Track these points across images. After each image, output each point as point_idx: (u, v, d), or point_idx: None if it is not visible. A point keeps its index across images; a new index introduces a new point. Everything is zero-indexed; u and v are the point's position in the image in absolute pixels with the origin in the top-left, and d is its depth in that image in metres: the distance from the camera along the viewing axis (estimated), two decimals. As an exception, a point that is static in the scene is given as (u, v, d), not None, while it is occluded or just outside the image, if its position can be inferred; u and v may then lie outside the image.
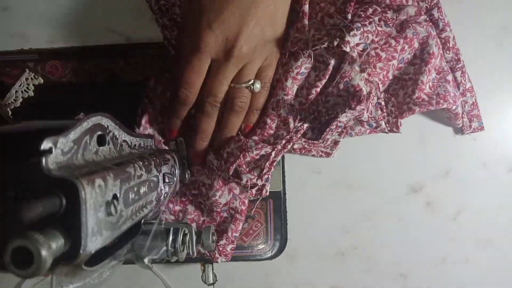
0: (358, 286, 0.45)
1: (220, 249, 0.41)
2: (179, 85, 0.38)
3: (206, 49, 0.35)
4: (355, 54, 0.37)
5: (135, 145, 0.31)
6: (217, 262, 0.41)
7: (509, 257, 0.45)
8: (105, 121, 0.26)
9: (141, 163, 0.27)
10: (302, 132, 0.41)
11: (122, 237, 0.26)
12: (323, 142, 0.43)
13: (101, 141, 0.25)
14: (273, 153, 0.40)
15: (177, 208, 0.42)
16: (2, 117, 0.44)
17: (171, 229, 0.30)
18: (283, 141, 0.41)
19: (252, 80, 0.39)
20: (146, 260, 0.27)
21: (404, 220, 0.45)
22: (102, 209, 0.21)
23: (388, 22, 0.39)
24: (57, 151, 0.20)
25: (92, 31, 0.44)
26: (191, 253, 0.31)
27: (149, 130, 0.41)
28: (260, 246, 0.45)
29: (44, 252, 0.18)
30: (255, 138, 0.41)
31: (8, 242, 0.18)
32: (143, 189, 0.27)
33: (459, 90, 0.42)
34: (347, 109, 0.38)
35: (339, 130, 0.41)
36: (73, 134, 0.22)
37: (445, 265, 0.45)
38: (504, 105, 0.44)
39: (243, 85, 0.38)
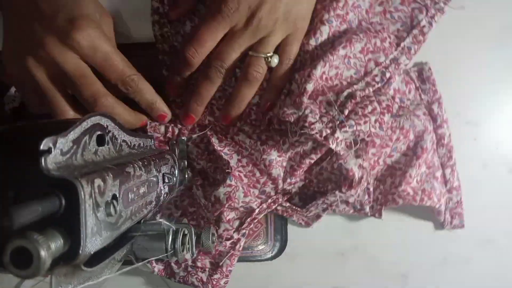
0: (358, 287, 0.45)
1: (214, 283, 0.41)
2: (188, 42, 0.37)
3: (228, 13, 0.35)
4: (339, 148, 0.37)
5: (134, 145, 0.31)
6: None
7: (510, 257, 0.45)
8: (105, 121, 0.26)
9: (140, 163, 0.27)
10: (289, 196, 0.41)
11: (122, 238, 0.26)
12: (306, 212, 0.43)
13: (100, 141, 0.25)
14: (256, 210, 0.40)
15: None
16: (2, 117, 0.44)
17: (171, 229, 0.30)
18: (269, 200, 0.41)
19: (271, 53, 0.38)
20: (146, 261, 0.26)
21: (404, 220, 0.45)
22: (101, 210, 0.21)
23: (383, 126, 0.38)
24: (56, 151, 0.20)
25: (92, 31, 0.44)
26: (191, 253, 0.31)
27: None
28: (260, 247, 0.45)
29: (43, 253, 0.18)
30: (239, 185, 0.40)
31: (7, 243, 0.18)
32: (142, 189, 0.27)
33: (446, 186, 0.43)
34: (336, 191, 0.38)
35: (324, 206, 0.42)
36: (73, 134, 0.22)
37: (446, 265, 0.45)
38: (505, 104, 0.44)
39: (261, 55, 0.38)
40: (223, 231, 0.40)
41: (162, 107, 0.39)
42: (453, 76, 0.43)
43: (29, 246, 0.18)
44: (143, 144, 0.33)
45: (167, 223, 0.30)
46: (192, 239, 0.31)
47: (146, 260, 0.27)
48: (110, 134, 0.27)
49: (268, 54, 0.38)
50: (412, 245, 0.45)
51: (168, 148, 0.41)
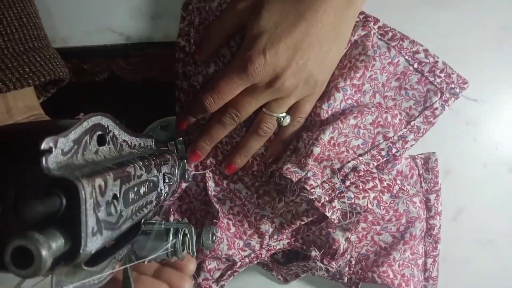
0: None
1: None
2: (208, 90, 0.37)
3: (252, 72, 0.35)
4: (334, 217, 0.37)
5: (135, 145, 0.31)
6: None
7: (510, 257, 0.45)
8: (105, 121, 0.26)
9: (141, 163, 0.27)
10: (273, 252, 0.42)
11: (122, 237, 0.26)
12: (286, 270, 0.43)
13: (101, 141, 0.25)
14: (238, 264, 0.41)
15: None
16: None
17: (171, 229, 0.30)
18: (252, 255, 0.41)
19: (284, 114, 0.39)
20: (146, 261, 0.26)
21: (404, 220, 0.45)
22: (102, 209, 0.21)
23: (381, 204, 0.39)
24: (57, 151, 0.20)
25: (92, 31, 0.44)
26: (191, 253, 0.31)
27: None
28: (260, 246, 0.44)
29: (44, 252, 0.18)
30: (224, 237, 0.41)
31: (8, 242, 0.18)
32: (143, 189, 0.27)
33: (424, 275, 0.43)
34: (318, 262, 0.39)
35: (305, 269, 0.42)
36: (73, 134, 0.22)
37: (445, 265, 0.45)
38: (504, 104, 0.44)
39: (274, 114, 0.39)
40: (203, 280, 0.41)
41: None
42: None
43: (30, 246, 0.18)
44: (144, 144, 0.33)
45: (168, 222, 0.31)
46: (193, 239, 0.31)
47: (146, 259, 0.27)
48: (111, 134, 0.27)
49: (281, 115, 0.39)
50: (412, 245, 0.45)
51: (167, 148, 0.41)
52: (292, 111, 0.40)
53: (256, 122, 0.40)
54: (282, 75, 0.36)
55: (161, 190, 0.31)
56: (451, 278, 0.45)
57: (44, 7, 0.44)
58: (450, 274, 0.45)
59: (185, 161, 0.41)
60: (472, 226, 0.45)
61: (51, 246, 0.18)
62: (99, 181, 0.21)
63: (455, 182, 0.44)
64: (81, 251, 0.20)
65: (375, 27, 0.41)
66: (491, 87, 0.44)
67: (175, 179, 0.34)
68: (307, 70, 0.37)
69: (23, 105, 0.36)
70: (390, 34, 0.41)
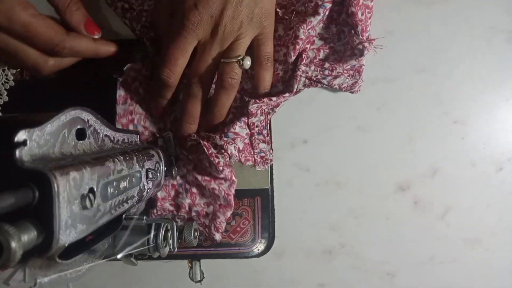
0: (345, 285, 0.45)
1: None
2: (162, 65, 0.37)
3: (192, 28, 0.35)
4: None
5: (118, 140, 0.31)
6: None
7: (497, 256, 0.45)
8: (85, 115, 0.26)
9: (121, 157, 0.27)
10: None
11: (102, 232, 0.26)
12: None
13: (81, 135, 0.25)
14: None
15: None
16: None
17: (153, 224, 0.30)
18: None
19: (242, 55, 0.38)
20: (120, 255, 0.26)
21: (391, 219, 0.45)
22: (76, 202, 0.21)
23: None
24: (32, 143, 0.20)
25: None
26: (171, 249, 0.31)
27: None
28: (248, 244, 0.45)
29: (14, 244, 0.18)
30: None
31: (-22, 234, 0.18)
32: (123, 184, 0.27)
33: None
34: None
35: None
36: (50, 127, 0.22)
37: (433, 264, 0.45)
38: (492, 104, 0.44)
39: (233, 59, 0.38)
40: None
41: (106, 48, 0.40)
42: (441, 76, 0.43)
43: (0, 237, 0.18)
44: (128, 139, 0.33)
45: (150, 218, 0.31)
46: (174, 235, 0.31)
47: (125, 252, 0.27)
48: (92, 129, 0.27)
49: (239, 57, 0.38)
50: (398, 244, 0.45)
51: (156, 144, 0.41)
52: (254, 54, 0.39)
53: (219, 76, 0.39)
54: (222, 20, 0.36)
55: (143, 185, 0.31)
56: (439, 277, 0.45)
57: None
58: (437, 273, 0.45)
59: (173, 158, 0.41)
60: (460, 225, 0.45)
61: (21, 238, 0.18)
62: (73, 174, 0.21)
63: (443, 181, 0.44)
64: (53, 244, 0.20)
65: None
66: (479, 86, 0.44)
67: (158, 175, 0.34)
68: (245, 7, 0.36)
69: None
70: None
